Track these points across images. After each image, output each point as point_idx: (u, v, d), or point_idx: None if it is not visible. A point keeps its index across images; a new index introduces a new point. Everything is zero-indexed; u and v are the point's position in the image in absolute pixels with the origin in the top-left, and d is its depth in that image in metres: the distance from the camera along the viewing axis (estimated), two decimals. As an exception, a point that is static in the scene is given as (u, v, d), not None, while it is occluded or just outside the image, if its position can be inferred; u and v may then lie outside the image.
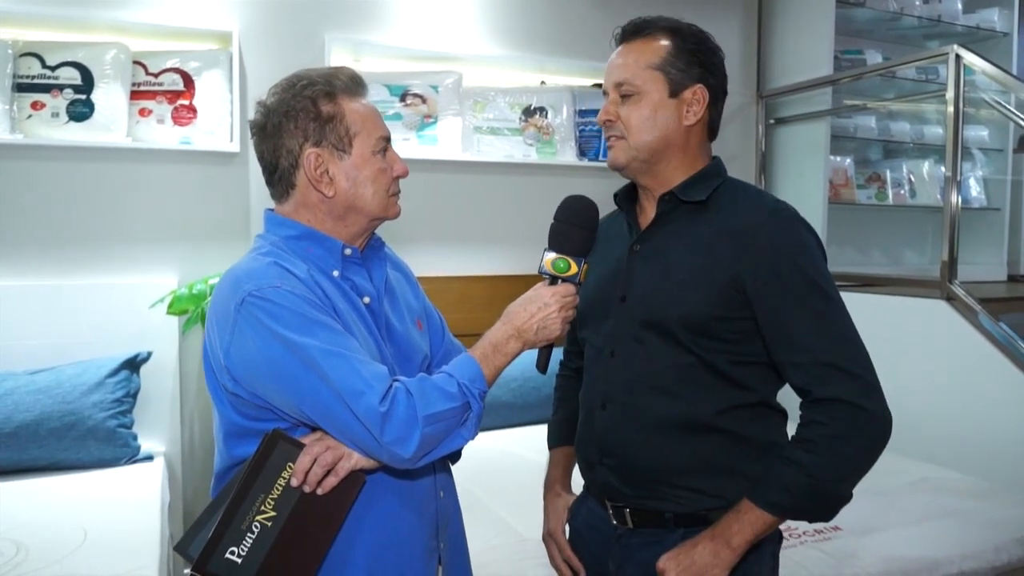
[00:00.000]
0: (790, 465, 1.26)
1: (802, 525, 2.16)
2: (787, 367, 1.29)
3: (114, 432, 2.57)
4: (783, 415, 1.40)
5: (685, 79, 1.34)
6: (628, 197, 1.47)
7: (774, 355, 1.29)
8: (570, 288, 1.30)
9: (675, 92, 1.34)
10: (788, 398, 1.36)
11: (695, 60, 1.35)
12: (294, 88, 1.26)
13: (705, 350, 1.31)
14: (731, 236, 1.31)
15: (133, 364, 2.76)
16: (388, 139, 1.33)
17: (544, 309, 1.27)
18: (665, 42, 1.35)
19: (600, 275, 1.44)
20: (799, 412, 1.30)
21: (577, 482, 1.57)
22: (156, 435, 2.85)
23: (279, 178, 1.29)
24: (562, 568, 1.51)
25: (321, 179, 1.26)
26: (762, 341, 1.30)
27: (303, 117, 1.25)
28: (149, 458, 2.68)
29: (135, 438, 2.65)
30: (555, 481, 1.59)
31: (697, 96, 1.35)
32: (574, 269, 1.30)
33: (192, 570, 1.14)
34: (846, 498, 1.27)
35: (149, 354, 2.83)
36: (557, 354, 1.36)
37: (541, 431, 3.02)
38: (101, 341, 2.79)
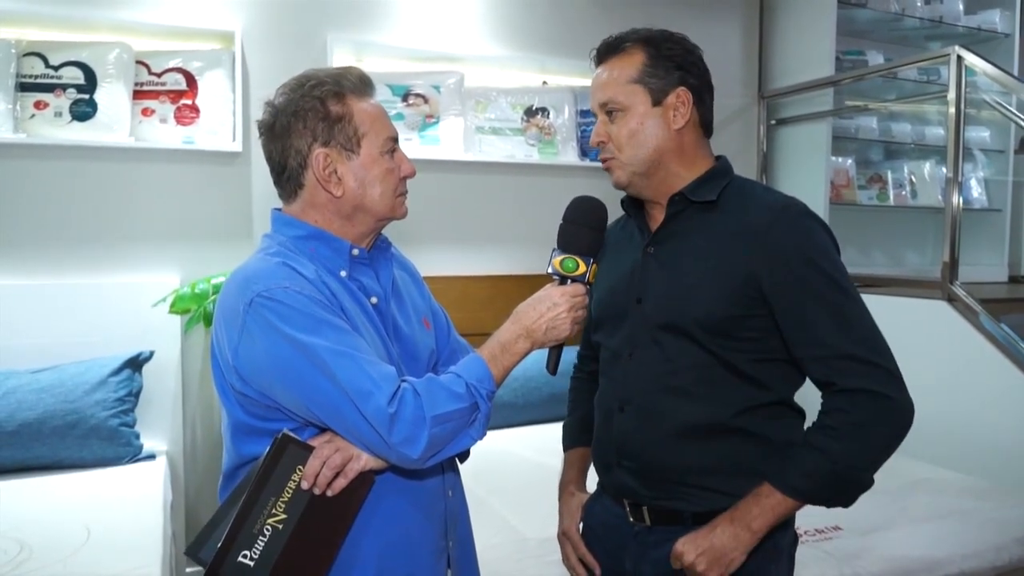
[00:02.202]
0: (813, 451, 1.26)
1: (803, 524, 2.16)
2: (808, 362, 1.29)
3: (116, 431, 2.58)
4: (801, 415, 1.40)
5: (665, 85, 1.35)
6: (636, 203, 1.47)
7: (794, 351, 1.30)
8: (580, 288, 1.30)
9: (657, 100, 1.35)
10: (805, 398, 1.36)
11: (672, 64, 1.36)
12: (303, 88, 1.27)
13: (724, 349, 1.31)
14: (743, 235, 1.31)
15: (135, 363, 2.77)
16: (396, 139, 1.33)
17: (553, 309, 1.27)
18: (640, 54, 1.36)
19: (614, 279, 1.44)
20: (821, 401, 1.30)
21: (591, 482, 1.58)
22: (158, 434, 2.85)
23: (287, 178, 1.30)
24: (577, 567, 1.51)
25: (329, 179, 1.27)
26: (780, 338, 1.31)
27: (312, 117, 1.25)
28: (151, 457, 2.68)
29: (137, 437, 2.65)
30: (570, 482, 1.59)
31: (681, 99, 1.35)
32: (583, 268, 1.30)
33: (206, 575, 1.15)
34: (867, 484, 1.27)
35: (151, 353, 2.83)
36: (567, 355, 1.37)
37: (543, 431, 3.02)
38: (103, 340, 2.79)
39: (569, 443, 1.65)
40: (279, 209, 1.35)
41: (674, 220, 1.39)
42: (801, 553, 2.01)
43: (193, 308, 2.82)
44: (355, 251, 1.31)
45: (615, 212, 1.47)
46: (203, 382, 3.03)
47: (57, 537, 1.99)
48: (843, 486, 1.27)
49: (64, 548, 1.93)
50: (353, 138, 1.27)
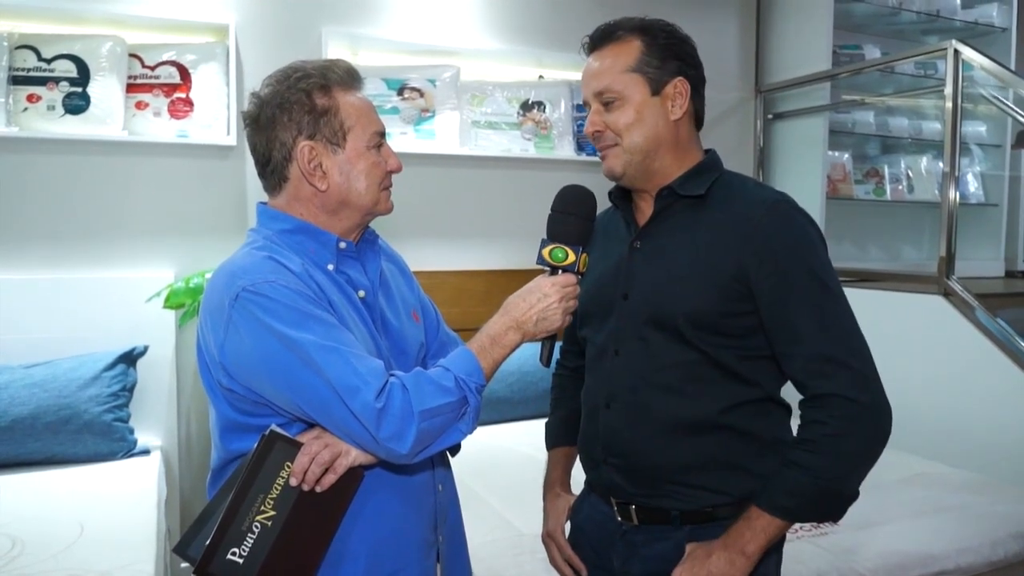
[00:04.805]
0: (794, 468, 1.25)
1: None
2: (785, 359, 1.28)
3: (110, 426, 2.57)
4: (787, 410, 1.39)
5: (663, 75, 1.34)
6: (624, 195, 1.45)
7: (774, 347, 1.29)
8: (570, 278, 1.29)
9: (656, 90, 1.34)
10: (791, 393, 1.36)
11: (670, 54, 1.34)
12: (289, 80, 1.25)
13: (711, 346, 1.30)
14: (731, 230, 1.30)
15: (129, 358, 2.76)
16: (383, 134, 1.31)
17: (544, 300, 1.26)
18: (636, 42, 1.34)
19: (600, 273, 1.43)
20: (799, 411, 1.30)
21: (576, 482, 1.56)
22: (153, 429, 2.85)
23: (272, 170, 1.28)
24: (563, 568, 1.50)
25: (314, 172, 1.25)
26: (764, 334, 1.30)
27: (297, 109, 1.24)
28: (146, 452, 2.67)
29: (131, 432, 2.64)
30: (555, 482, 1.58)
31: (679, 89, 1.34)
32: (572, 258, 1.29)
33: (194, 572, 1.14)
34: (853, 496, 1.26)
35: (146, 348, 2.82)
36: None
37: (538, 426, 3.01)
38: (97, 335, 2.78)
39: (552, 442, 1.63)
40: (264, 203, 1.34)
41: (662, 214, 1.37)
42: (796, 548, 2.01)
43: (187, 303, 2.81)
44: (342, 244, 1.30)
45: (603, 203, 1.45)
46: (197, 377, 2.97)
47: (50, 533, 1.98)
48: (829, 500, 1.26)
49: (57, 544, 1.92)
50: (339, 132, 1.26)
